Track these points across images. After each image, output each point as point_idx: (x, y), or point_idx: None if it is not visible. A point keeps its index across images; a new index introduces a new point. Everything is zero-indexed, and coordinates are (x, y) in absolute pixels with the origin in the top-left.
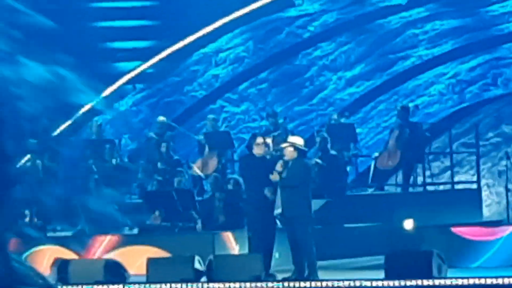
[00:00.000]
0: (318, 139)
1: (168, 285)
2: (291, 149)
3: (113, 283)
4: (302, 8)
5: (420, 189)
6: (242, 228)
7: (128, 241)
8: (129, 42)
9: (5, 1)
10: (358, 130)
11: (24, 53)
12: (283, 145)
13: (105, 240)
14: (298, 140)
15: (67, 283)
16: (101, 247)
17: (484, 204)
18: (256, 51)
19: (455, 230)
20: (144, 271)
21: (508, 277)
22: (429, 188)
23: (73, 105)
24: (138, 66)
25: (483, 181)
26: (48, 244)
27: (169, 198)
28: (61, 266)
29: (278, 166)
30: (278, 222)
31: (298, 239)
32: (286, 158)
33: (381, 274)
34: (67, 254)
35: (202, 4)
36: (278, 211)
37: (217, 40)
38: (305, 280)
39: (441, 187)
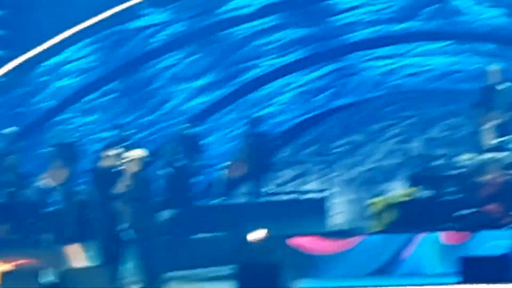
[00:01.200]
0: (165, 150)
1: None
2: (131, 163)
3: None
4: (150, 18)
5: (269, 198)
6: (92, 239)
7: None
8: None
9: None
10: (206, 140)
11: None
12: (123, 160)
13: None
14: (137, 153)
15: None
16: None
17: (331, 214)
18: (105, 61)
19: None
20: None
21: None
22: (277, 197)
23: None
24: None
25: (331, 190)
26: None
27: (18, 210)
28: None
29: (123, 179)
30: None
31: (146, 251)
32: (128, 171)
33: (230, 285)
34: None
35: (50, 13)
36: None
37: (65, 51)
38: None
39: (290, 197)
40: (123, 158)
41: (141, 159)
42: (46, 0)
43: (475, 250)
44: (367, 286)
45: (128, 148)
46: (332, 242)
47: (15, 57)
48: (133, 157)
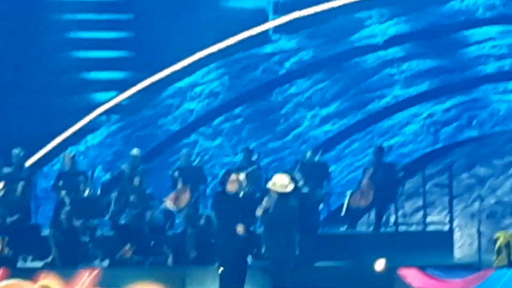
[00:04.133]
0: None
1: None
2: (276, 188)
3: None
4: (278, 45)
5: (392, 229)
6: (213, 264)
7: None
8: (104, 73)
9: None
10: (331, 168)
11: None
12: (270, 186)
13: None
14: (283, 180)
15: None
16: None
17: (456, 246)
18: (232, 86)
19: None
20: None
21: None
22: (401, 228)
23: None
24: (114, 97)
25: (455, 223)
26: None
27: (141, 231)
28: None
29: (264, 202)
30: (252, 258)
31: (280, 277)
32: (271, 196)
33: None
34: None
35: (179, 37)
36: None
37: (193, 74)
38: None
39: (413, 228)
40: (271, 183)
41: (283, 191)
42: (174, 23)
43: None
44: None
45: (252, 174)
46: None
47: (142, 79)
48: (280, 182)
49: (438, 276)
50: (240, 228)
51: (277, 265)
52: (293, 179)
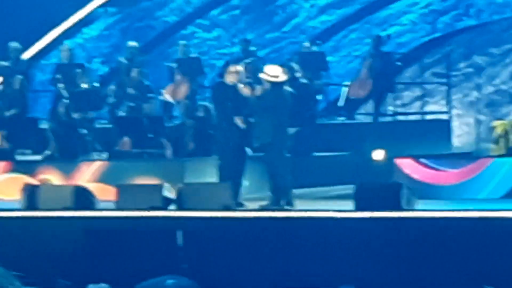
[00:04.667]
0: (289, 67)
1: (137, 212)
2: (267, 78)
3: (81, 209)
4: None
5: (390, 118)
6: (211, 156)
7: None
8: None
9: None
10: (329, 59)
11: None
12: (262, 75)
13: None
14: (274, 71)
15: (36, 209)
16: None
17: (454, 135)
18: None
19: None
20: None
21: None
22: (400, 118)
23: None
24: None
25: (453, 111)
26: (18, 172)
27: (139, 124)
28: (30, 192)
29: (258, 91)
30: (249, 149)
31: (274, 167)
32: (264, 86)
33: (350, 205)
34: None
35: None
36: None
37: None
38: (280, 209)
39: (412, 117)
40: (262, 73)
41: (276, 80)
42: None
43: None
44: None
45: (251, 64)
46: (454, 172)
47: None
48: (271, 73)
49: (435, 166)
50: (238, 120)
51: (269, 155)
52: (288, 70)
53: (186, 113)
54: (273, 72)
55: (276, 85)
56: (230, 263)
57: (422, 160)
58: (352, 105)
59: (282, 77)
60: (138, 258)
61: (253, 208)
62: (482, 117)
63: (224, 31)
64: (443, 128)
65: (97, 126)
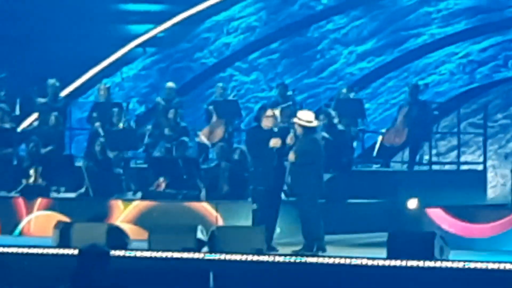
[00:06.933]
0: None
1: (170, 253)
2: (299, 125)
3: (114, 249)
4: None
5: (426, 167)
6: (246, 199)
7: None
8: (142, 5)
9: None
10: (366, 106)
11: None
12: (295, 120)
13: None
14: (308, 116)
15: (68, 247)
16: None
17: (489, 186)
18: (268, 21)
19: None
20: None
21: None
22: (435, 167)
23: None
24: (150, 29)
25: (489, 162)
26: (52, 209)
27: (174, 165)
28: (63, 229)
29: (289, 139)
30: (283, 195)
31: (307, 213)
32: (297, 131)
33: (383, 253)
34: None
35: None
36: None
37: (230, 8)
38: (313, 255)
39: (447, 167)
40: (295, 118)
41: (307, 124)
42: None
43: None
44: None
45: (287, 109)
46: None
47: (179, 12)
48: (300, 122)
49: (465, 218)
50: (272, 164)
51: (302, 200)
52: (325, 116)
53: (221, 155)
54: (306, 117)
55: (309, 130)
56: None
57: (453, 210)
58: (388, 152)
59: (315, 122)
60: None
61: (285, 253)
62: None
63: (262, 75)
64: (479, 179)
65: (132, 166)
